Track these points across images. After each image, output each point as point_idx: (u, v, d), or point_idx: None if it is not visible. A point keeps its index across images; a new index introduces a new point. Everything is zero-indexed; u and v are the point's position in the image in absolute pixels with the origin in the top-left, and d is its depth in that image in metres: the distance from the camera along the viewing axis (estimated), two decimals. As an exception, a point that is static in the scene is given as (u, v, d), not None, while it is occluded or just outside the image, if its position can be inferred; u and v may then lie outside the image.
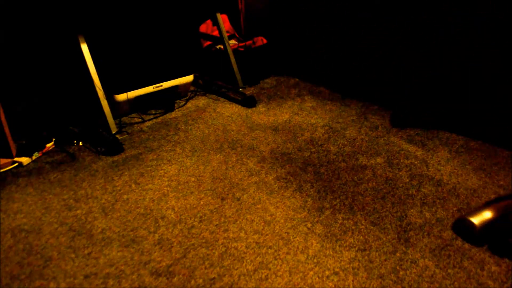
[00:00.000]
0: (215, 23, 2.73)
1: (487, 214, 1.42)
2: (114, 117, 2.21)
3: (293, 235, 1.43)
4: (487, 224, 1.40)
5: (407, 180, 1.76)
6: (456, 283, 1.23)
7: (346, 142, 2.11)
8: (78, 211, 1.58)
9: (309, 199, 1.64)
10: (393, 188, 1.71)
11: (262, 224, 1.49)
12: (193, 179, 1.79)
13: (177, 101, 2.66)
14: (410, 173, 1.82)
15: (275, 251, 1.36)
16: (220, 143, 2.11)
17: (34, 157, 1.96)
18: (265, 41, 3.03)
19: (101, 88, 2.12)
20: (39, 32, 2.25)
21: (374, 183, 1.74)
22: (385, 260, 1.32)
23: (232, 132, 2.23)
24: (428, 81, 2.32)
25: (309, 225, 1.49)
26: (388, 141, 2.11)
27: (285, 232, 1.45)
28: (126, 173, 1.84)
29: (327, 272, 1.27)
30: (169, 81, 2.47)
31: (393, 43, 2.45)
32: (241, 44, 2.97)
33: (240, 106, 2.59)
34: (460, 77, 2.17)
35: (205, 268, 1.29)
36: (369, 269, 1.28)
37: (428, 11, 2.21)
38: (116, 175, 1.83)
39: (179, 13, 2.81)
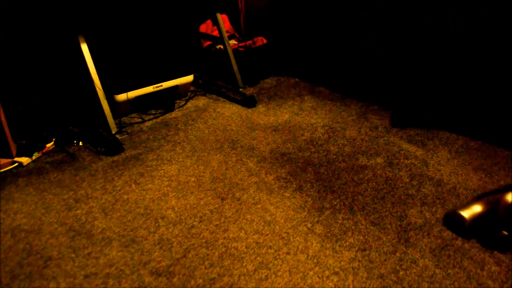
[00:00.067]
0: (215, 23, 2.73)
1: (477, 208, 1.44)
2: (114, 117, 2.21)
3: (293, 235, 1.43)
4: (477, 218, 1.42)
5: (407, 180, 1.76)
6: (456, 283, 1.23)
7: (346, 142, 2.11)
8: (78, 211, 1.58)
9: (309, 199, 1.64)
10: (393, 188, 1.71)
11: (262, 224, 1.49)
12: (193, 179, 1.79)
13: (177, 101, 2.66)
14: (410, 173, 1.82)
15: (275, 251, 1.36)
16: (220, 143, 2.11)
17: (34, 157, 1.97)
18: (265, 41, 3.03)
19: (101, 88, 2.12)
20: (39, 32, 2.25)
21: (374, 183, 1.74)
22: (385, 260, 1.32)
23: (232, 132, 2.23)
24: (428, 81, 2.32)
25: (309, 225, 1.49)
26: (388, 141, 2.11)
27: (285, 232, 1.45)
28: (126, 173, 1.84)
29: (327, 272, 1.27)
30: (169, 81, 2.47)
31: (393, 43, 2.45)
32: (241, 44, 2.97)
33: (240, 106, 2.59)
34: (460, 77, 2.17)
35: (205, 268, 1.29)
36: (369, 269, 1.28)
37: (428, 11, 2.21)
38: (116, 175, 1.83)
39: (179, 13, 2.81)
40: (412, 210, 1.56)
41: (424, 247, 1.37)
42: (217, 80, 2.87)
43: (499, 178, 1.77)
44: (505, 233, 1.37)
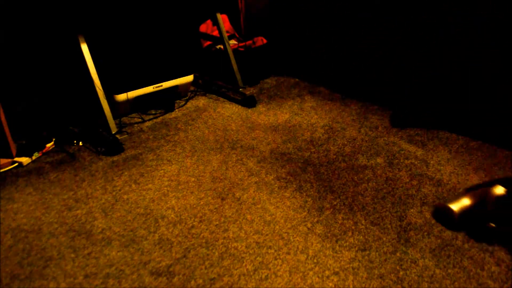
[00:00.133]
0: (215, 23, 2.73)
1: (465, 201, 1.48)
2: (114, 117, 2.21)
3: (293, 235, 1.43)
4: (465, 211, 1.45)
5: (407, 180, 1.76)
6: (456, 283, 1.23)
7: (346, 142, 2.11)
8: (78, 211, 1.58)
9: (309, 199, 1.64)
10: (393, 188, 1.71)
11: (262, 224, 1.49)
12: (193, 179, 1.79)
13: (177, 101, 2.66)
14: (410, 173, 1.82)
15: (275, 251, 1.36)
16: (220, 143, 2.11)
17: (34, 157, 1.96)
18: (265, 41, 3.03)
19: (101, 88, 2.12)
20: (39, 32, 2.25)
21: (374, 183, 1.74)
22: (385, 260, 1.32)
23: (232, 132, 2.23)
24: (428, 81, 2.32)
25: (309, 225, 1.49)
26: (388, 141, 2.11)
27: (285, 232, 1.45)
28: (126, 173, 1.84)
29: (327, 272, 1.27)
30: (169, 81, 2.47)
31: (393, 43, 2.45)
32: (241, 44, 2.97)
33: (240, 106, 2.59)
34: (460, 77, 2.17)
35: (205, 268, 1.29)
36: (369, 269, 1.28)
37: (428, 11, 2.21)
38: (116, 175, 1.83)
39: (179, 13, 2.81)
40: (412, 210, 1.56)
41: (424, 247, 1.37)
42: (217, 80, 2.87)
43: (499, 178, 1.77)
44: (493, 225, 1.40)
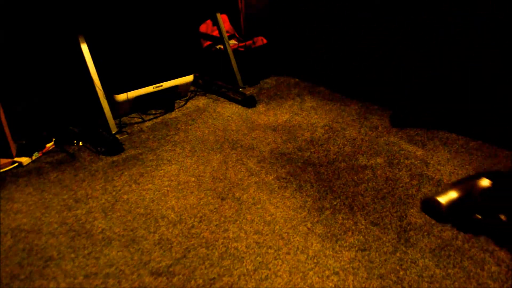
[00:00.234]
0: (215, 23, 2.73)
1: (452, 194, 1.52)
2: (114, 117, 2.21)
3: (293, 235, 1.43)
4: (453, 203, 1.50)
5: (407, 180, 1.76)
6: (456, 283, 1.23)
7: (346, 142, 2.11)
8: (78, 211, 1.58)
9: (309, 199, 1.64)
10: (393, 188, 1.71)
11: (262, 224, 1.49)
12: (193, 179, 1.79)
13: (177, 101, 2.66)
14: (410, 173, 1.82)
15: (275, 251, 1.36)
16: (220, 143, 2.11)
17: (34, 157, 1.97)
18: (265, 41, 3.03)
19: (101, 88, 2.12)
20: (39, 32, 2.25)
21: (374, 183, 1.74)
22: (385, 260, 1.32)
23: (232, 132, 2.23)
24: (428, 81, 2.32)
25: (309, 225, 1.49)
26: (388, 141, 2.11)
27: (285, 232, 1.45)
28: (126, 173, 1.84)
29: (327, 272, 1.27)
30: (169, 81, 2.47)
31: (393, 43, 2.45)
32: (241, 44, 2.97)
33: (240, 106, 2.59)
34: (460, 77, 2.16)
35: (205, 268, 1.29)
36: (369, 269, 1.28)
37: (428, 11, 2.21)
38: (116, 175, 1.83)
39: (179, 13, 2.81)
40: (412, 210, 1.56)
41: (424, 247, 1.37)
42: (217, 80, 2.87)
43: (499, 178, 1.77)
44: (479, 216, 1.44)
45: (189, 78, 2.58)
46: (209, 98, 2.74)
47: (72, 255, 1.35)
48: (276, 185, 1.74)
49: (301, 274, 1.26)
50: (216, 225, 1.49)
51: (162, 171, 1.86)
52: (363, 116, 2.42)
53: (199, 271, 1.28)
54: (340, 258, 1.33)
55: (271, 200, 1.63)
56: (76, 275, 1.27)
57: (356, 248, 1.37)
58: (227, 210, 1.58)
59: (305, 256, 1.34)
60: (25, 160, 1.92)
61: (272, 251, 1.36)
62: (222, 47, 2.79)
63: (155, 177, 1.81)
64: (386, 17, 2.43)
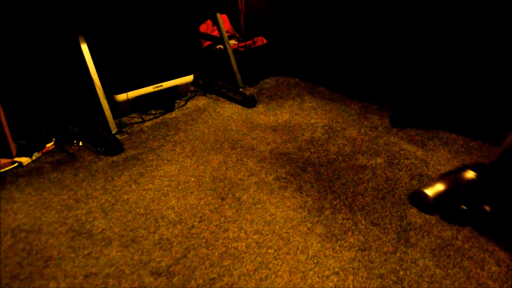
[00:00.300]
0: (215, 23, 2.73)
1: (439, 186, 1.56)
2: (114, 117, 2.21)
3: (293, 235, 1.43)
4: (440, 195, 1.54)
5: (407, 180, 1.76)
6: (456, 283, 1.23)
7: (346, 142, 2.11)
8: (78, 211, 1.58)
9: (309, 199, 1.64)
10: (393, 188, 1.71)
11: (262, 224, 1.49)
12: (193, 179, 1.79)
13: (177, 101, 2.66)
14: (410, 173, 1.82)
15: (275, 251, 1.36)
16: (220, 143, 2.11)
17: (34, 157, 1.97)
18: (265, 41, 3.03)
19: (101, 88, 2.12)
20: (39, 32, 2.25)
21: (374, 183, 1.74)
22: (385, 260, 1.32)
23: (232, 132, 2.23)
24: (428, 81, 2.32)
25: (309, 225, 1.49)
26: (388, 141, 2.11)
27: (285, 232, 1.45)
28: (126, 173, 1.84)
29: (327, 272, 1.27)
30: (169, 81, 2.47)
31: (393, 43, 2.45)
32: (241, 44, 2.97)
33: (240, 106, 2.59)
34: (460, 77, 2.17)
35: (205, 268, 1.29)
36: (369, 269, 1.28)
37: (428, 11, 2.21)
38: (116, 175, 1.83)
39: (179, 13, 2.81)
40: (412, 210, 1.56)
41: (424, 247, 1.37)
42: (217, 80, 2.87)
43: (499, 178, 1.77)
44: (464, 207, 1.48)
45: (189, 78, 2.58)
46: (209, 98, 2.74)
47: (72, 255, 1.35)
48: (276, 185, 1.74)
49: (301, 274, 1.26)
50: (216, 225, 1.49)
51: (162, 171, 1.86)
52: (363, 116, 2.42)
53: (199, 271, 1.28)
54: (340, 258, 1.33)
55: (271, 200, 1.63)
56: (76, 275, 1.27)
57: (356, 248, 1.37)
58: (227, 210, 1.58)
59: (305, 256, 1.34)
60: (25, 160, 1.92)
61: (272, 251, 1.36)
62: (222, 47, 2.79)
63: (155, 177, 1.81)
64: (386, 17, 2.43)
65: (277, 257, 1.33)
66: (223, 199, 1.65)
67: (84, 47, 2.07)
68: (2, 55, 2.15)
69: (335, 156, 1.98)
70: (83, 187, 1.74)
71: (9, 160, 1.90)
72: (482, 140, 2.09)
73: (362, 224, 1.49)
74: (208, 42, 3.04)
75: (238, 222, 1.51)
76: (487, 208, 1.46)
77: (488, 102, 2.07)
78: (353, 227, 1.48)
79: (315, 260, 1.32)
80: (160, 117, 2.44)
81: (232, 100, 2.70)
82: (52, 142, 2.08)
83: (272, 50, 3.10)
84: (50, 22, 2.23)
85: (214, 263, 1.31)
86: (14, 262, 1.32)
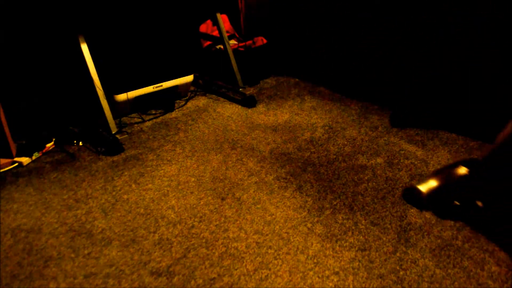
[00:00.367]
0: (215, 23, 2.73)
1: (432, 183, 1.58)
2: (114, 117, 2.21)
3: (293, 235, 1.43)
4: (433, 191, 1.55)
5: (407, 180, 1.76)
6: (456, 283, 1.23)
7: (346, 142, 2.11)
8: (78, 211, 1.58)
9: (309, 199, 1.64)
10: (393, 188, 1.71)
11: (262, 224, 1.49)
12: (193, 179, 1.79)
13: (177, 101, 2.66)
14: (410, 173, 1.82)
15: (275, 251, 1.36)
16: (220, 143, 2.11)
17: (34, 157, 1.97)
18: (265, 41, 3.03)
19: (101, 88, 2.12)
20: (39, 32, 2.25)
21: (374, 183, 1.74)
22: (385, 260, 1.32)
23: (232, 132, 2.23)
24: (428, 81, 2.32)
25: (309, 225, 1.49)
26: (388, 141, 2.11)
27: (285, 232, 1.45)
28: (126, 173, 1.84)
29: (327, 272, 1.27)
30: (169, 81, 2.47)
31: (393, 43, 2.45)
32: (241, 44, 2.97)
33: (240, 106, 2.59)
34: (460, 77, 2.17)
35: (205, 268, 1.29)
36: (369, 269, 1.28)
37: (428, 11, 2.21)
38: (116, 175, 1.83)
39: (179, 13, 2.81)
40: (412, 210, 1.56)
41: (424, 247, 1.37)
42: (217, 80, 2.87)
43: (499, 178, 1.77)
44: (457, 203, 1.51)
45: (189, 78, 2.58)
46: (209, 98, 2.74)
47: (72, 255, 1.35)
48: (276, 185, 1.74)
49: (301, 274, 1.26)
50: (216, 225, 1.49)
51: (162, 171, 1.86)
52: (363, 116, 2.42)
53: (199, 271, 1.28)
54: (340, 258, 1.33)
55: (271, 200, 1.63)
56: (76, 275, 1.27)
57: (356, 248, 1.37)
58: (227, 210, 1.58)
59: (305, 256, 1.34)
60: (25, 160, 1.92)
61: (272, 251, 1.36)
62: (222, 47, 2.79)
63: (155, 177, 1.81)
64: (386, 17, 2.43)
65: (277, 257, 1.33)
66: (223, 199, 1.65)
67: (84, 47, 2.07)
68: (2, 55, 2.15)
69: (335, 156, 1.98)
70: (83, 187, 1.74)
71: (9, 160, 1.91)
72: (482, 140, 2.09)
73: (362, 224, 1.49)
74: (208, 42, 3.04)
75: (238, 222, 1.51)
76: (479, 203, 1.48)
77: (488, 102, 2.07)
78: (353, 227, 1.48)
79: (315, 260, 1.32)
80: (160, 117, 2.44)
81: (232, 100, 2.70)
82: (52, 142, 2.08)
83: (272, 50, 3.10)
84: (50, 22, 2.23)
85: (214, 263, 1.31)
86: (14, 262, 1.32)
